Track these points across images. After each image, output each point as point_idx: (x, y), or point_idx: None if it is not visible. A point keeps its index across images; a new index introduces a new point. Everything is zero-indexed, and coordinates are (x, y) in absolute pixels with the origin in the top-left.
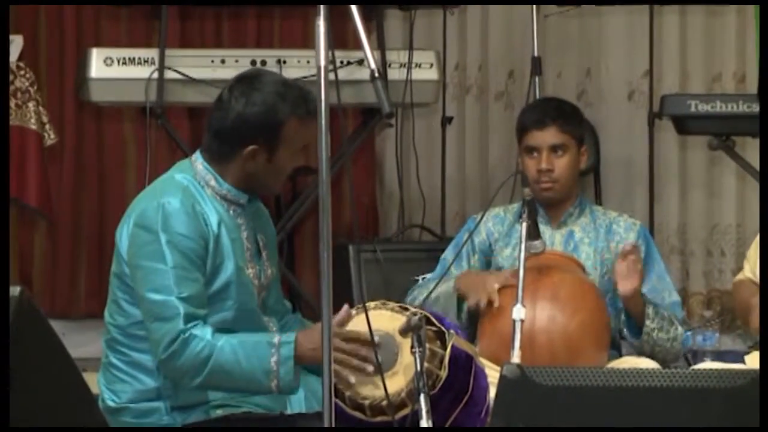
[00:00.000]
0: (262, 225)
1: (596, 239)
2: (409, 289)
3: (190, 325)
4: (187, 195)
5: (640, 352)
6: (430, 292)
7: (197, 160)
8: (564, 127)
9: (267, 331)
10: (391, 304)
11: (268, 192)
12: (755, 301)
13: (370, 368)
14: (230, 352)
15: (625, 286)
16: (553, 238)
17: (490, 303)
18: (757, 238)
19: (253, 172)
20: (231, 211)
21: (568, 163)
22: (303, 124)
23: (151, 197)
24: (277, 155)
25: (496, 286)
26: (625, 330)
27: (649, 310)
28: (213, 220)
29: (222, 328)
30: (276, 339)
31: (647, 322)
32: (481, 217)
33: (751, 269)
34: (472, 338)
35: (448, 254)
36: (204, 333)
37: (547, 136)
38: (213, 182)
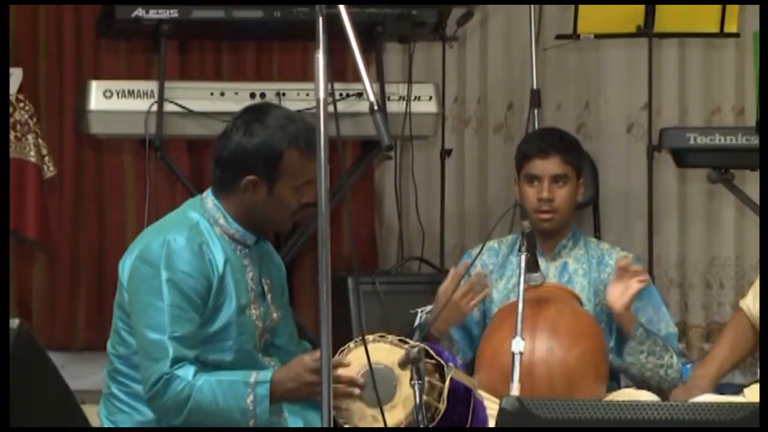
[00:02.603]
0: (268, 268)
1: (589, 270)
2: (405, 320)
3: (175, 366)
4: (195, 233)
5: (630, 377)
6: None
7: (208, 197)
8: (566, 157)
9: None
10: (390, 337)
11: (274, 228)
12: (681, 386)
13: (357, 391)
14: (208, 391)
15: (615, 303)
16: (547, 270)
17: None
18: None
19: (253, 204)
20: (238, 251)
21: (568, 194)
22: (303, 157)
23: (158, 232)
24: (277, 188)
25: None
26: (612, 355)
27: (638, 332)
28: (219, 259)
29: (220, 369)
30: (252, 378)
31: (631, 343)
32: (479, 251)
33: (753, 297)
34: (470, 370)
35: None
36: (186, 373)
37: (549, 166)
38: (222, 221)
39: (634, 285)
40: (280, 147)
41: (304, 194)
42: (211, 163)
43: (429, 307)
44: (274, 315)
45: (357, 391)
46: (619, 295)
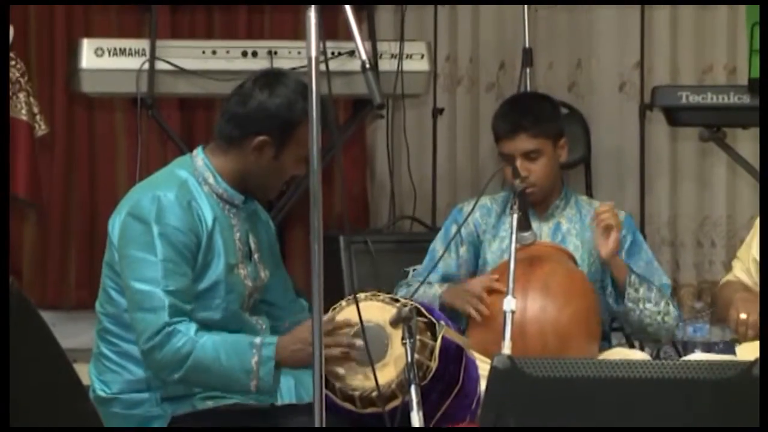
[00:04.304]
0: (256, 227)
1: (582, 230)
2: (398, 281)
3: (175, 319)
4: (184, 190)
5: (630, 324)
6: (416, 290)
7: (198, 155)
8: (535, 131)
9: (254, 331)
10: (382, 296)
11: (262, 194)
12: (737, 295)
13: (355, 352)
14: (211, 349)
15: (600, 250)
16: (540, 230)
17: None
18: (747, 238)
19: (253, 165)
20: (225, 211)
21: (544, 166)
22: None
23: (148, 189)
24: (284, 154)
25: (480, 289)
26: (610, 300)
27: (632, 278)
28: (208, 217)
29: (208, 327)
30: (258, 340)
31: (629, 290)
32: (471, 209)
33: (742, 268)
34: (462, 329)
35: (437, 244)
36: (188, 329)
37: (518, 144)
38: (211, 179)
39: (614, 232)
40: (299, 115)
41: (301, 166)
42: (220, 117)
43: (421, 267)
44: (262, 274)
45: (354, 352)
46: (603, 242)
